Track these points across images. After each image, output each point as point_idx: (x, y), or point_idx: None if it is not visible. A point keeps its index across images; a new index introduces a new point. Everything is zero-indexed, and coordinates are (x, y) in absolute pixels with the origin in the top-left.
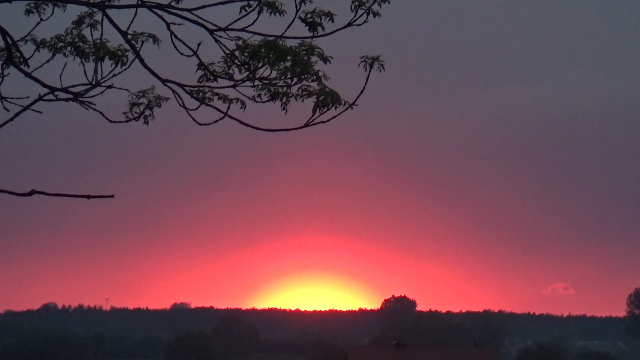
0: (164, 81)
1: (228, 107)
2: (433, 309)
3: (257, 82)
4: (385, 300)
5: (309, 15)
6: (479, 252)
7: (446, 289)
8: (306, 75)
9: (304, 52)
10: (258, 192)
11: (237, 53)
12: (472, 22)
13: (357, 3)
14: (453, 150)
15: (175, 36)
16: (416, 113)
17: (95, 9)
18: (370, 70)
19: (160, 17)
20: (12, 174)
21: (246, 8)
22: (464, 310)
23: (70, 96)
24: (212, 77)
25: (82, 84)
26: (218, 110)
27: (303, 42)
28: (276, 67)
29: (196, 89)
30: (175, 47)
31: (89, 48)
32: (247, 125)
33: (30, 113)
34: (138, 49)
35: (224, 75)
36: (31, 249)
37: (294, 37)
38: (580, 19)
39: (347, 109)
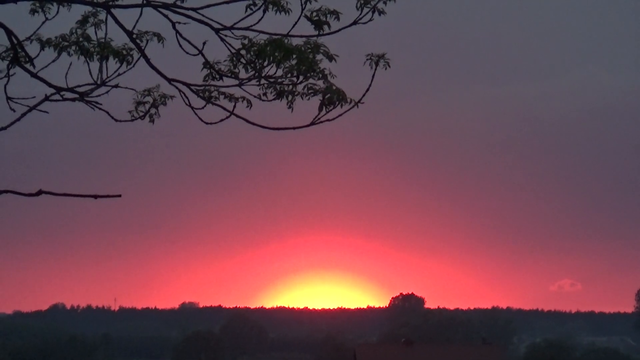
0: (169, 80)
1: (234, 106)
2: (441, 306)
3: (263, 81)
4: (393, 297)
5: (314, 14)
6: (486, 249)
7: (454, 286)
8: (312, 74)
9: (310, 50)
10: (266, 191)
11: (242, 52)
12: (476, 20)
13: (362, 1)
14: (459, 147)
15: (181, 35)
16: (422, 111)
17: (99, 9)
18: (375, 68)
19: (166, 16)
20: (19, 174)
21: (251, 7)
22: (472, 307)
23: (76, 96)
24: (217, 76)
25: (88, 84)
26: (224, 109)
27: (308, 40)
28: (282, 65)
29: (202, 88)
30: (180, 46)
31: (93, 47)
32: (253, 124)
33: (36, 113)
34: (143, 48)
35: (229, 74)
36: (39, 250)
37: (299, 36)
38: (585, 15)
39: (353, 107)
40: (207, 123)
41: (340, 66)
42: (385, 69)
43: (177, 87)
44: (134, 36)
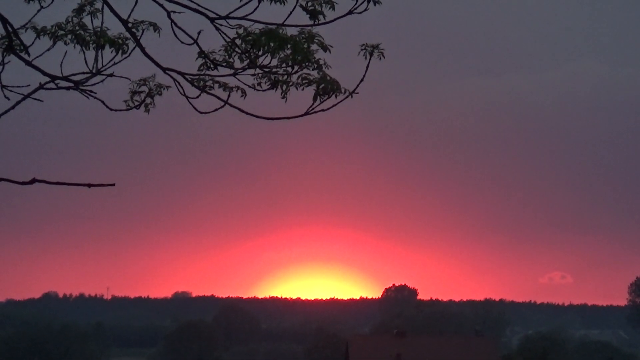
0: (164, 69)
1: (228, 96)
2: (434, 298)
3: (257, 71)
4: (386, 289)
5: (309, 3)
6: (479, 241)
7: (447, 278)
8: (306, 64)
9: (304, 40)
10: (259, 182)
11: (237, 41)
12: (471, 11)
13: None
14: (452, 140)
15: (176, 24)
16: (416, 102)
17: None
18: (370, 59)
19: (161, 5)
20: (13, 162)
21: None
22: (465, 299)
23: (71, 84)
24: (212, 66)
25: (83, 73)
26: (218, 98)
27: (303, 30)
28: (277, 55)
29: (197, 77)
30: (175, 35)
31: (89, 36)
32: (247, 113)
33: (31, 101)
34: (139, 37)
35: (224, 64)
36: (32, 238)
37: (294, 25)
38: (579, 7)
39: (347, 97)
40: (201, 112)
41: (335, 56)
42: (380, 59)
43: (171, 77)
44: (130, 25)
